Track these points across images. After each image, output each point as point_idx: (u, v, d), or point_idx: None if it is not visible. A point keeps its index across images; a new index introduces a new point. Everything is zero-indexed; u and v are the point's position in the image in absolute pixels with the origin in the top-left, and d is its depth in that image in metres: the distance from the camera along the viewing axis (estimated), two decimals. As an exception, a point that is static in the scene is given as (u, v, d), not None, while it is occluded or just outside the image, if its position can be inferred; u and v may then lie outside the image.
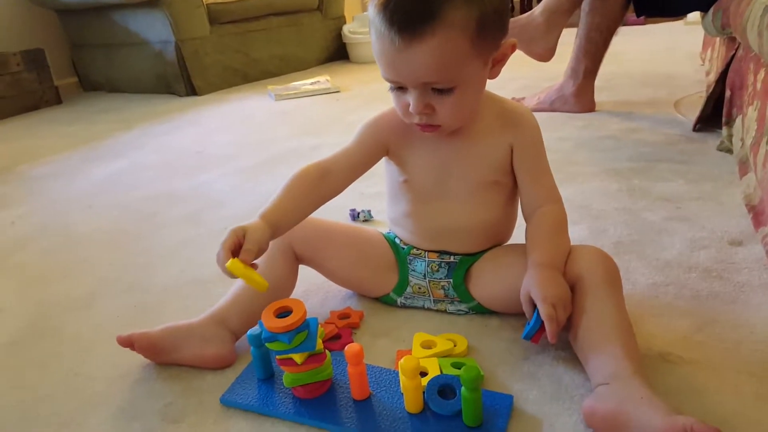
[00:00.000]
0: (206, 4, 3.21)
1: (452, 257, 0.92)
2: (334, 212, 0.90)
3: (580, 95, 2.08)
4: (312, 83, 3.11)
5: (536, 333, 0.78)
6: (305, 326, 0.74)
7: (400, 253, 0.96)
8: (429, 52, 0.72)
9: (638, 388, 0.66)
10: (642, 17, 1.94)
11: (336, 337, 0.91)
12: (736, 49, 1.54)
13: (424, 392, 0.73)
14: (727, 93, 1.55)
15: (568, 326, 0.79)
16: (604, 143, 1.74)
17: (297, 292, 0.98)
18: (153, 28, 3.16)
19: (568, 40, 2.04)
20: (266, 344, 0.74)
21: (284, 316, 0.74)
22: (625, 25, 2.04)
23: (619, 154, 1.63)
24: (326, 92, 2.99)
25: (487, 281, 0.90)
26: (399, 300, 0.97)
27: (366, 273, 0.97)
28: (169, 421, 0.77)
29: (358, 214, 1.35)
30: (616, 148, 1.69)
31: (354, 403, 0.75)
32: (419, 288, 0.95)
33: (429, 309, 0.96)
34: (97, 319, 1.05)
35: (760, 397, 0.71)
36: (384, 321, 0.95)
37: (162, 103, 3.11)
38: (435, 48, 0.72)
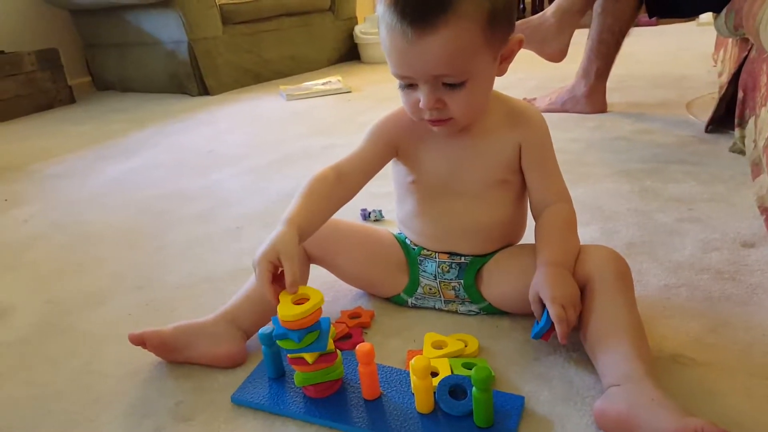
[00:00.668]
0: (219, 5, 3.22)
1: (463, 258, 0.92)
2: (345, 212, 0.90)
3: (592, 96, 2.08)
4: (323, 83, 3.12)
5: (546, 333, 0.78)
6: (317, 326, 0.74)
7: (411, 254, 0.96)
8: (442, 43, 0.72)
9: (650, 390, 0.65)
10: (654, 18, 1.93)
11: (347, 336, 0.91)
12: (749, 51, 1.53)
13: (434, 392, 0.73)
14: (740, 94, 1.54)
15: (578, 326, 0.79)
16: (616, 144, 1.74)
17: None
18: (166, 28, 3.17)
19: (580, 41, 2.03)
20: (277, 342, 0.74)
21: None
22: (637, 26, 2.04)
23: (631, 155, 1.63)
24: (338, 92, 2.99)
25: (498, 282, 0.90)
26: (410, 300, 0.97)
27: (377, 273, 0.97)
28: (179, 420, 0.77)
29: (369, 213, 1.35)
30: (627, 149, 1.68)
31: (365, 402, 0.75)
32: (430, 289, 0.95)
33: (440, 309, 0.96)
34: (109, 316, 1.06)
35: (772, 400, 0.71)
36: (395, 321, 0.95)
37: (174, 103, 3.13)
38: (448, 39, 0.71)
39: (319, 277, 1.01)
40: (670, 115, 2.00)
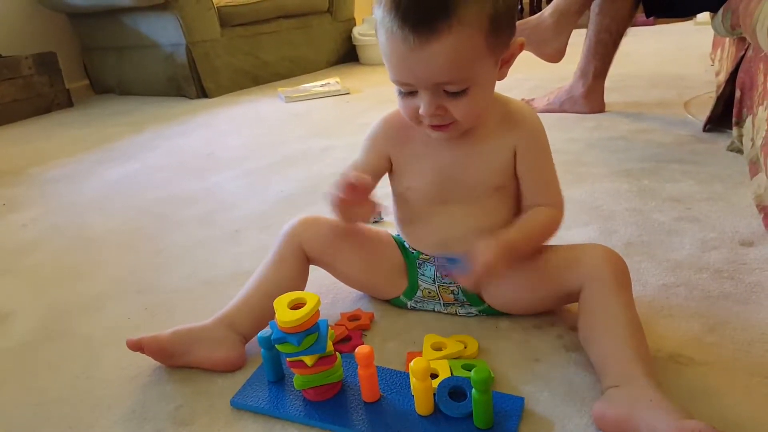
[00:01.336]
0: (217, 7, 3.22)
1: (461, 261, 0.92)
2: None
3: (590, 96, 2.08)
4: (322, 85, 3.12)
5: (452, 271, 0.80)
6: (315, 328, 0.74)
7: (410, 258, 0.95)
8: (445, 50, 0.70)
9: (648, 391, 0.66)
10: (651, 18, 1.93)
11: (346, 339, 0.91)
12: (746, 50, 1.53)
13: (434, 394, 0.73)
14: (737, 93, 1.54)
15: (577, 326, 0.79)
16: (614, 144, 1.74)
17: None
18: (164, 31, 3.17)
19: (578, 41, 2.03)
20: (276, 346, 0.74)
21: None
22: (634, 25, 2.04)
23: (629, 154, 1.63)
24: (336, 94, 2.99)
25: (498, 285, 0.89)
26: (409, 303, 0.97)
27: (376, 276, 0.97)
28: (179, 424, 0.77)
29: (368, 215, 1.35)
30: (626, 148, 1.68)
31: (364, 405, 0.75)
32: (429, 292, 0.94)
33: (439, 312, 0.96)
34: (109, 321, 1.06)
35: (772, 400, 0.71)
36: (394, 323, 0.95)
37: (173, 106, 3.13)
38: (451, 46, 0.70)
39: (318, 278, 1.01)
40: (668, 114, 2.00)
